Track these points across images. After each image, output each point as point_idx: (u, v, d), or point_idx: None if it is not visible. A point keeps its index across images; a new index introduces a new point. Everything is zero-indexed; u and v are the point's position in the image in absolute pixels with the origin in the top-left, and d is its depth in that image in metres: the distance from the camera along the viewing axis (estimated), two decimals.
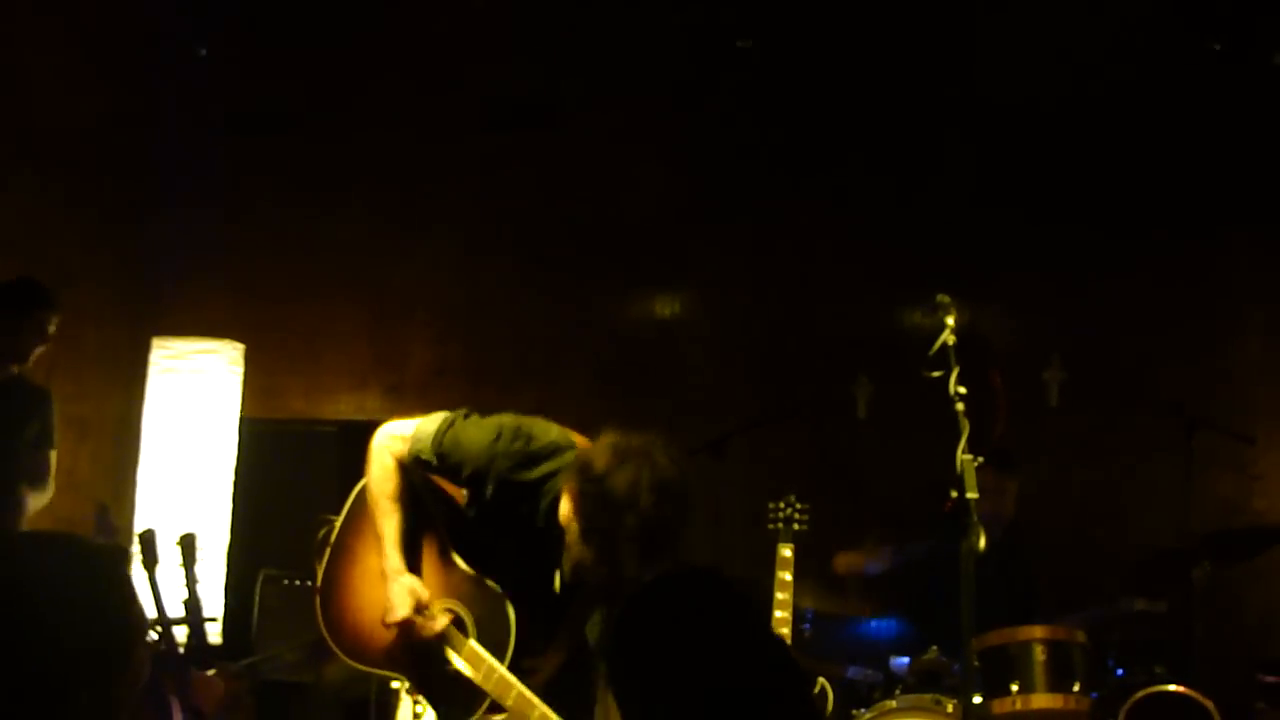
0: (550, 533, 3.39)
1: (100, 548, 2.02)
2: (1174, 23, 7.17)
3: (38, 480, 5.88)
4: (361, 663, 3.72)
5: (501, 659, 3.49)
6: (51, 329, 5.86)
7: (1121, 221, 7.14)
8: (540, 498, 3.51)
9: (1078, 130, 7.21)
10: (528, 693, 3.40)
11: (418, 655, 3.62)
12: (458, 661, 3.54)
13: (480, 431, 3.59)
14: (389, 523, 3.68)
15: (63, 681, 1.84)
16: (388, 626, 3.62)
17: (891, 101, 7.37)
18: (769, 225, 7.47)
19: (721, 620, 2.32)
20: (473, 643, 3.56)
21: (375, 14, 7.77)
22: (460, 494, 3.72)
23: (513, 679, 3.44)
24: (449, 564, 3.69)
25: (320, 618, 3.79)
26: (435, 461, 3.64)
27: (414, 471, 3.71)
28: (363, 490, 3.80)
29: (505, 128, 7.70)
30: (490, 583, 3.61)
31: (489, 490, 3.56)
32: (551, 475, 3.50)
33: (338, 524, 3.84)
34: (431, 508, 3.76)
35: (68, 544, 1.99)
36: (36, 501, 5.90)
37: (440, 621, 3.60)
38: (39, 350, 5.87)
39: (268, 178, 7.93)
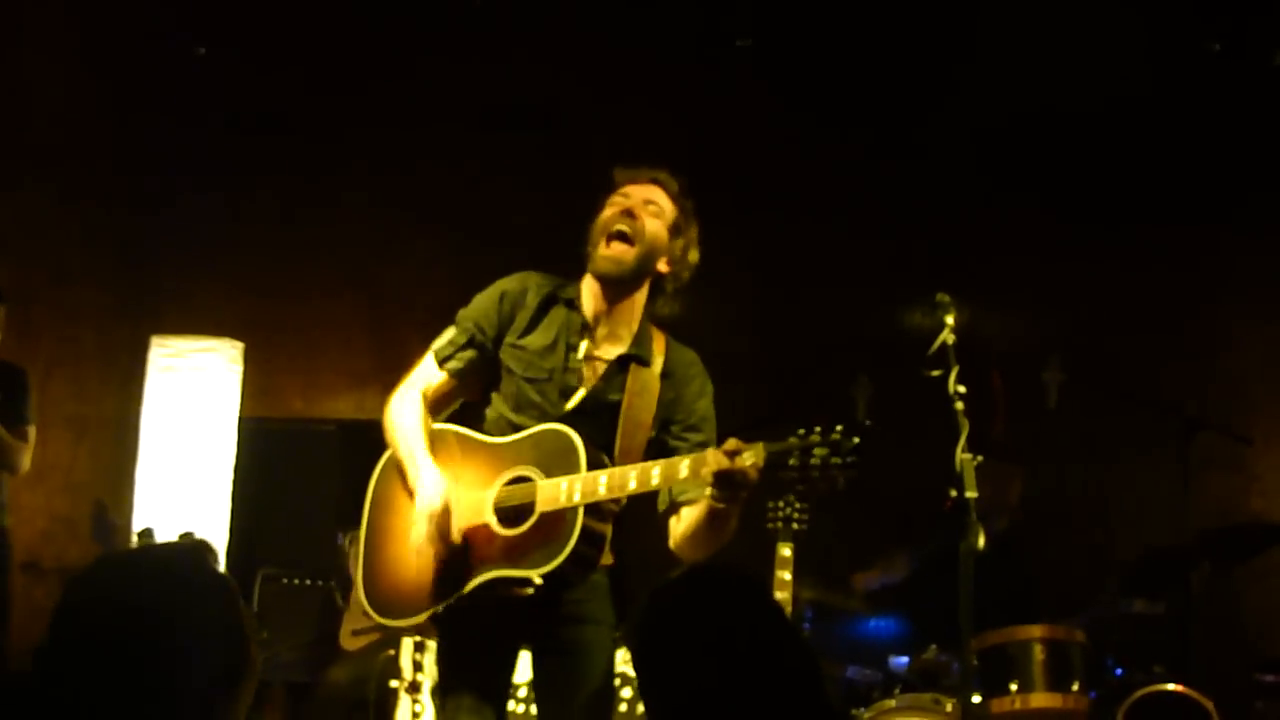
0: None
1: (196, 557, 2.07)
2: (1174, 23, 7.17)
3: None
4: (406, 616, 3.55)
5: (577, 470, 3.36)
6: None
7: (1120, 222, 7.15)
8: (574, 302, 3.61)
9: (1078, 130, 7.22)
10: (632, 468, 3.33)
11: (450, 574, 3.45)
12: (533, 508, 3.37)
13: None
14: (414, 437, 3.58)
15: (198, 695, 1.93)
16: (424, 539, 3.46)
17: (891, 101, 7.37)
18: (768, 225, 7.47)
19: (748, 617, 2.33)
20: (543, 480, 3.38)
21: (374, 13, 7.76)
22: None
23: (603, 470, 3.35)
24: (493, 447, 3.55)
25: (365, 601, 3.64)
26: (460, 328, 3.66)
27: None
28: (384, 468, 3.70)
29: (504, 126, 7.70)
30: (535, 430, 3.49)
31: (533, 307, 3.60)
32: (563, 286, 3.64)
33: (366, 507, 3.74)
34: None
35: (171, 559, 2.09)
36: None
37: (483, 495, 3.46)
38: None
39: (266, 176, 7.93)
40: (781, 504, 5.40)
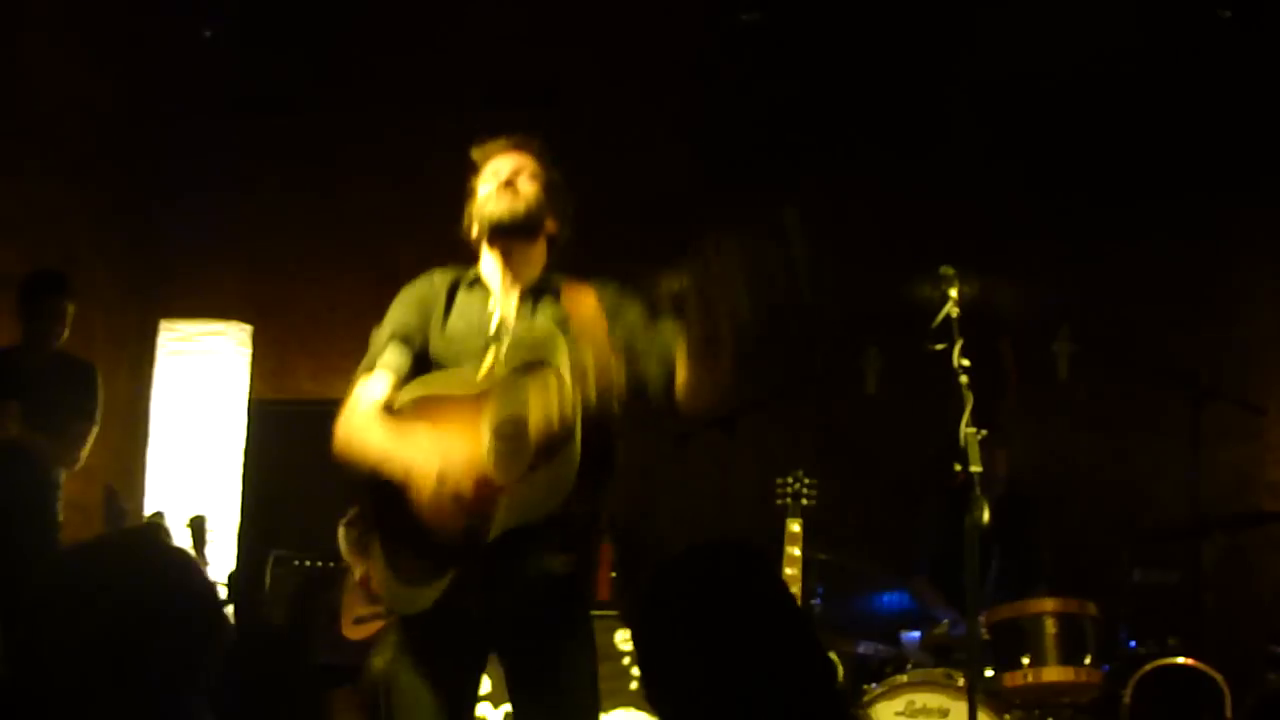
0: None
1: (153, 537, 2.19)
2: None
3: (60, 457, 5.89)
4: (425, 584, 3.38)
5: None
6: (66, 314, 5.91)
7: (1131, 191, 7.10)
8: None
9: (1087, 99, 7.17)
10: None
11: (470, 532, 3.34)
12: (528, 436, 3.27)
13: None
14: (376, 445, 3.45)
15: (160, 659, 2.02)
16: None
17: (899, 73, 7.33)
18: (777, 200, 7.43)
19: (753, 595, 2.31)
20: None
21: None
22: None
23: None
24: (464, 401, 3.45)
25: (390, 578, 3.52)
26: (384, 342, 3.57)
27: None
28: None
29: (513, 105, 7.67)
30: (502, 368, 3.44)
31: (443, 293, 3.58)
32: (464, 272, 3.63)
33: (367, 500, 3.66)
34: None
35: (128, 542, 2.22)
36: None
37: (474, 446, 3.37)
38: (59, 336, 5.91)
39: (274, 159, 7.92)
40: (791, 480, 5.39)
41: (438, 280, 3.64)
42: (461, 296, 3.59)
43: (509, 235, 3.55)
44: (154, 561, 2.10)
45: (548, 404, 3.25)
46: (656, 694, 2.33)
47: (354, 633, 6.31)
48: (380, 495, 3.49)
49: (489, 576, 3.33)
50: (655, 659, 2.33)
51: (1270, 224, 7.12)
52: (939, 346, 3.86)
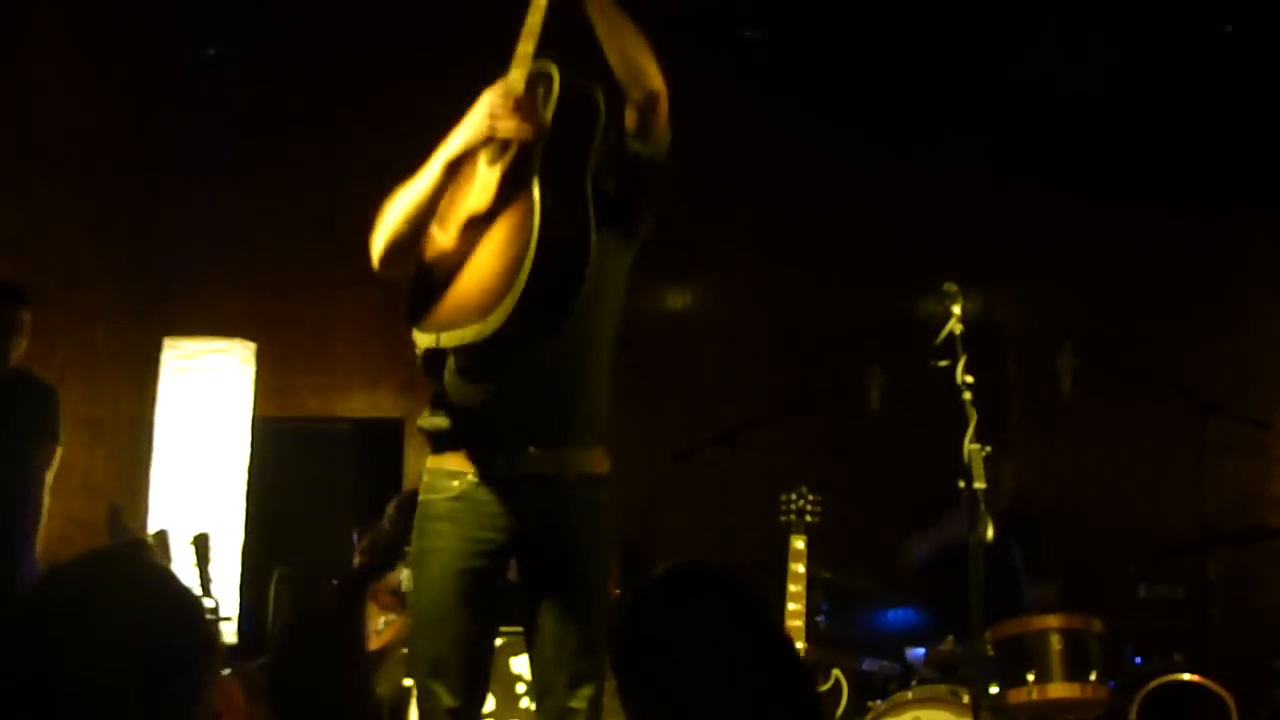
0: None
1: (132, 553, 2.18)
2: (1186, 4, 7.13)
3: (23, 476, 5.75)
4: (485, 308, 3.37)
5: None
6: (24, 324, 5.76)
7: (1135, 206, 7.11)
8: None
9: (1091, 115, 7.18)
10: None
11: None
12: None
13: None
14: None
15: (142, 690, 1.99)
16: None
17: (904, 89, 7.34)
18: (780, 216, 7.45)
19: (731, 617, 2.30)
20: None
21: (387, 12, 7.75)
22: None
23: None
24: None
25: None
26: None
27: None
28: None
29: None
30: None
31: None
32: None
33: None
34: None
35: (103, 563, 2.17)
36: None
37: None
38: (17, 346, 5.77)
39: (278, 176, 7.93)
40: (794, 496, 5.38)
41: None
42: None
43: None
44: (137, 580, 2.09)
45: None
46: (634, 716, 2.32)
47: (373, 642, 6.32)
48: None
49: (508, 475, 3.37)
50: (631, 682, 2.32)
51: (1275, 238, 7.12)
52: (943, 363, 3.85)
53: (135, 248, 7.67)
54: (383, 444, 7.56)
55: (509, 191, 3.44)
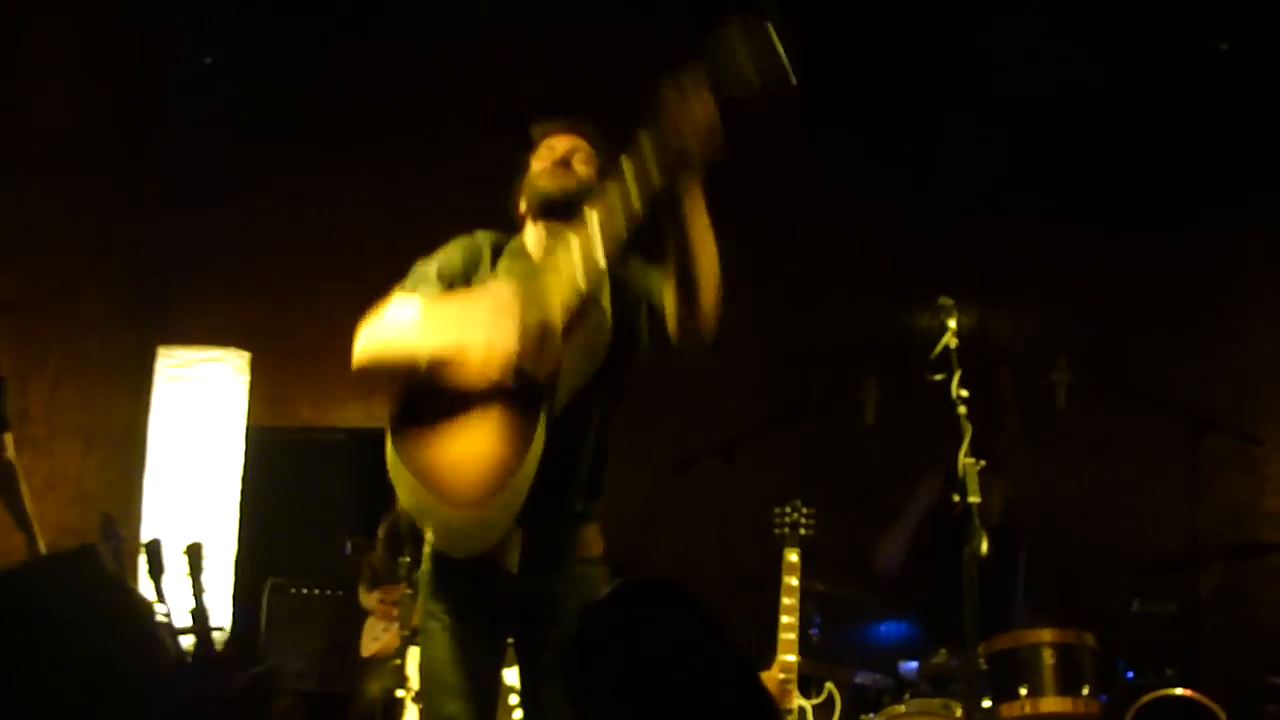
0: None
1: (83, 559, 2.15)
2: (1180, 21, 7.15)
3: None
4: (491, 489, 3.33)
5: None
6: None
7: (1128, 222, 7.12)
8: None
9: (1085, 130, 7.19)
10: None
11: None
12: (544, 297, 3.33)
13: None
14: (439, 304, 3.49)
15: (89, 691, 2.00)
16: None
17: (899, 104, 7.35)
18: (776, 230, 7.45)
19: (681, 633, 2.30)
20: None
21: (380, 18, 7.76)
22: None
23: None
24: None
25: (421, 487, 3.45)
26: (425, 274, 3.59)
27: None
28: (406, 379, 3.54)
29: (512, 130, 7.67)
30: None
31: (486, 257, 3.59)
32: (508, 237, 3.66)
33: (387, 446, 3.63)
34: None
35: (56, 565, 2.15)
36: None
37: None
38: None
39: (273, 185, 7.93)
40: (789, 510, 5.38)
41: (481, 239, 3.69)
42: (505, 261, 3.61)
43: (556, 212, 3.57)
44: (85, 585, 2.09)
45: (581, 250, 3.28)
46: None
47: (369, 649, 6.33)
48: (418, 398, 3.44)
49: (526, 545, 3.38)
50: (581, 697, 2.31)
51: (1268, 254, 7.13)
52: (938, 377, 3.86)
53: (130, 256, 7.66)
54: (377, 454, 7.48)
55: (515, 401, 3.34)
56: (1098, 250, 7.16)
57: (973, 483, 3.70)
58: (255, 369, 7.17)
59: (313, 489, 7.35)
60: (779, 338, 7.38)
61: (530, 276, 3.41)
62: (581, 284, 3.28)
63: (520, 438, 3.26)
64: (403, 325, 3.48)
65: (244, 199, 7.88)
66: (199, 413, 6.95)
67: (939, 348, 3.88)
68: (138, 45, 7.61)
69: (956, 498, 3.72)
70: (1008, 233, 7.20)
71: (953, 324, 3.94)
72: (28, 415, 6.58)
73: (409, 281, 3.62)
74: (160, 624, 5.03)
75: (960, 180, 7.22)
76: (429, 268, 3.63)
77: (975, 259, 7.10)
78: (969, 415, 3.84)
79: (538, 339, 3.28)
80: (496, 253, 3.64)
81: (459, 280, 3.59)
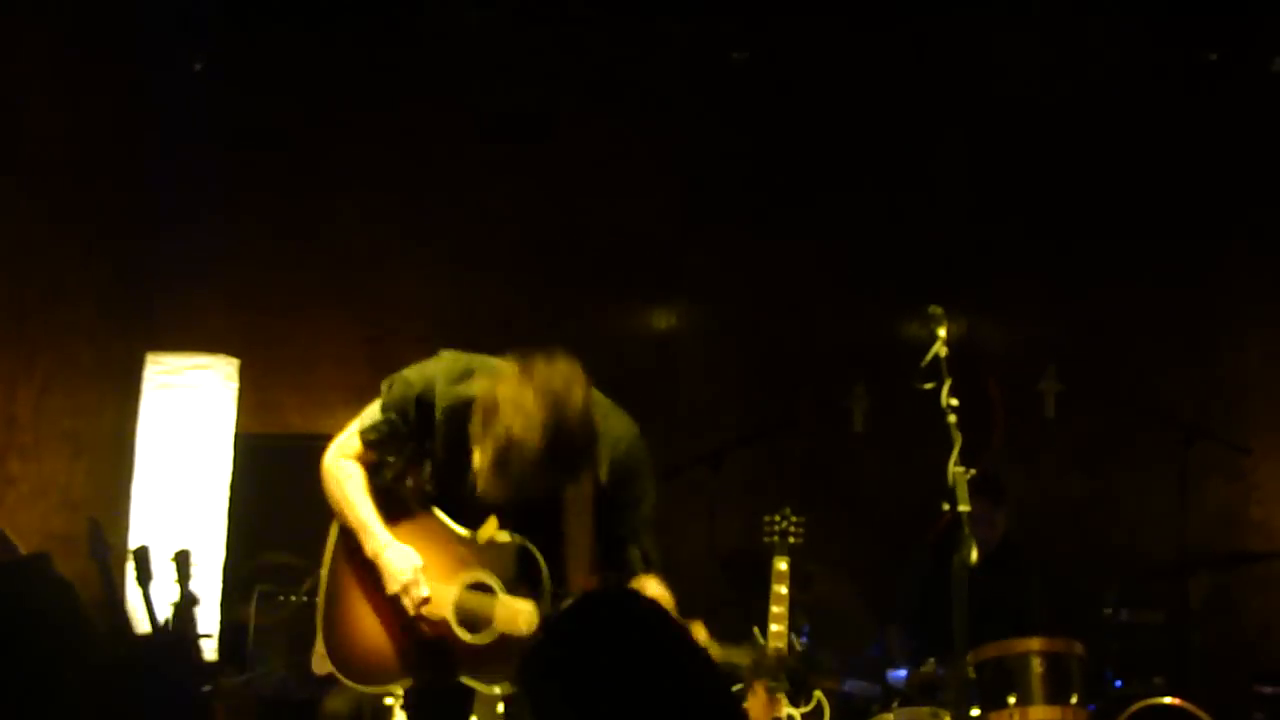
0: None
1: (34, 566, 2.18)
2: (1169, 32, 7.17)
3: None
4: (374, 683, 3.67)
5: (541, 599, 3.48)
6: None
7: (1117, 232, 7.14)
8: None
9: (1074, 140, 7.21)
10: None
11: (426, 651, 3.56)
12: (492, 625, 3.50)
13: (418, 366, 3.67)
14: (362, 507, 3.65)
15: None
16: (390, 601, 3.58)
17: (887, 112, 7.36)
18: (765, 237, 7.46)
19: (643, 645, 2.29)
20: (504, 596, 3.51)
21: (371, 27, 7.76)
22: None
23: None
24: (453, 539, 3.63)
25: (329, 655, 3.73)
26: (383, 417, 3.64)
27: (378, 474, 3.69)
28: (340, 525, 3.75)
29: (501, 140, 7.69)
30: (502, 537, 3.56)
31: (440, 423, 3.55)
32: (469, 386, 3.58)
33: (325, 563, 3.78)
34: (411, 498, 3.70)
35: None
36: None
37: (445, 589, 3.56)
38: None
39: (262, 192, 7.91)
40: (778, 518, 5.37)
41: (439, 396, 3.63)
42: (460, 428, 3.56)
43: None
44: (35, 592, 2.12)
45: (527, 622, 3.45)
46: None
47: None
48: (334, 572, 3.61)
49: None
50: (544, 712, 2.30)
51: (1256, 265, 7.16)
52: (927, 385, 3.86)
53: (119, 264, 7.63)
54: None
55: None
56: (1087, 260, 7.18)
57: (962, 491, 3.70)
58: (244, 376, 7.14)
59: (301, 496, 7.30)
60: (768, 345, 7.39)
61: (468, 568, 3.59)
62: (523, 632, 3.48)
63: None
64: (340, 496, 3.71)
65: (233, 206, 7.86)
66: (187, 420, 6.92)
67: (929, 356, 3.89)
68: (126, 53, 7.59)
69: (947, 506, 3.72)
70: (999, 242, 7.21)
71: (942, 332, 3.94)
72: (15, 422, 6.55)
73: (368, 412, 3.74)
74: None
75: (951, 190, 7.23)
76: (382, 416, 3.70)
77: (965, 268, 7.11)
78: (958, 424, 3.84)
79: (435, 624, 3.55)
80: (451, 418, 3.59)
81: (411, 430, 3.67)
